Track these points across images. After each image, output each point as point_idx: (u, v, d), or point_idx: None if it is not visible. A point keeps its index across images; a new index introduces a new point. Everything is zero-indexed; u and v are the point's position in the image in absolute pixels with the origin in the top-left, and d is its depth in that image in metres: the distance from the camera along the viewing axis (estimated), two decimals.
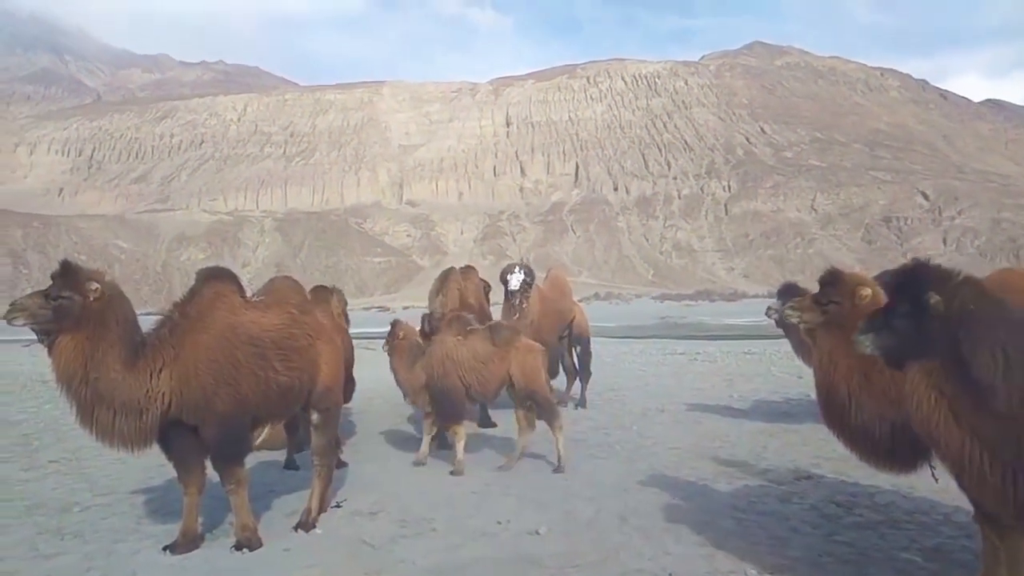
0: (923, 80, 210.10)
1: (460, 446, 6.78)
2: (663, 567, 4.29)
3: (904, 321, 2.95)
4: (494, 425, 8.91)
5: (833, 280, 3.88)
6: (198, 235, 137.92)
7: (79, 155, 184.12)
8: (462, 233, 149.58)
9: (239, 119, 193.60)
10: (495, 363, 6.72)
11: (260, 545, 4.70)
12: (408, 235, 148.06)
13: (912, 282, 2.97)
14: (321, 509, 5.30)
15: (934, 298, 2.87)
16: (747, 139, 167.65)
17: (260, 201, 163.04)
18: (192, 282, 4.93)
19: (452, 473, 6.61)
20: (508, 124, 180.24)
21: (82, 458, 7.41)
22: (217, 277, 4.91)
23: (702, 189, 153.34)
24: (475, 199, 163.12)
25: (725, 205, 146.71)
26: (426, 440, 7.21)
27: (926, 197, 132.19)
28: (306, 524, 5.07)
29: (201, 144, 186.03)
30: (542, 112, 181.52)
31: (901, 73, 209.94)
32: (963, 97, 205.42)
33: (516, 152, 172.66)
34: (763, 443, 7.68)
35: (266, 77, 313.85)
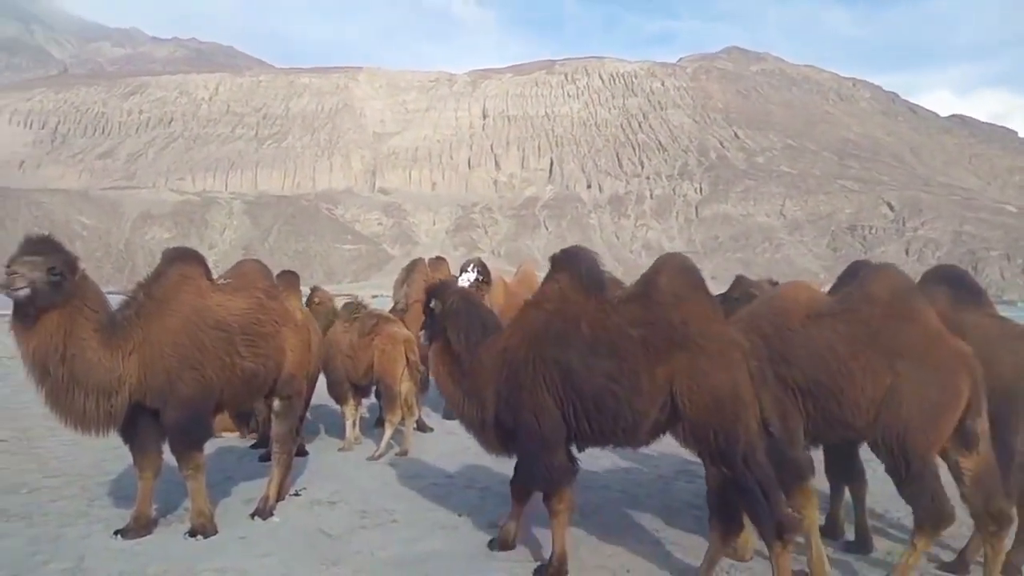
0: (893, 93, 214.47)
1: (348, 425, 7.27)
2: (622, 564, 4.31)
3: (429, 319, 4.50)
4: None
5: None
6: (164, 214, 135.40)
7: (43, 127, 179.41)
8: (434, 224, 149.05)
9: (211, 98, 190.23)
10: (362, 351, 7.05)
11: (215, 532, 4.62)
12: (379, 223, 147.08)
13: (430, 294, 4.55)
14: (279, 497, 5.22)
15: (434, 302, 4.45)
16: (720, 143, 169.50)
17: (229, 183, 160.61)
18: (157, 262, 4.83)
19: (340, 449, 7.09)
20: (484, 116, 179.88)
21: (32, 438, 7.22)
22: (183, 258, 4.81)
23: (674, 190, 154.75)
24: (448, 190, 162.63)
25: (696, 207, 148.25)
26: (348, 426, 7.35)
27: (891, 207, 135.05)
28: (263, 512, 5.00)
29: (170, 122, 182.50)
30: (519, 106, 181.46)
31: (873, 85, 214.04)
32: (931, 111, 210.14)
33: (491, 145, 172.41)
34: None
35: (240, 57, 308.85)
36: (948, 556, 4.51)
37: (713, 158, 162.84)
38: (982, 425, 3.86)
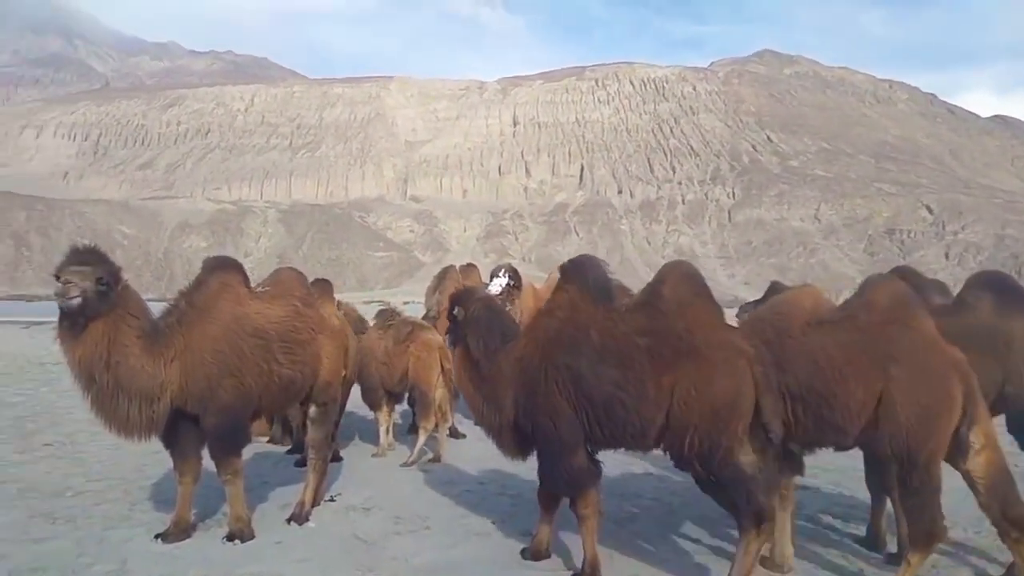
0: (931, 94, 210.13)
1: (382, 431, 7.35)
2: (658, 573, 4.27)
3: (452, 325, 4.61)
4: None
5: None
6: (201, 223, 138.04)
7: (85, 140, 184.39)
8: (465, 231, 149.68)
9: (246, 109, 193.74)
10: (397, 358, 7.10)
11: (252, 537, 4.68)
12: (411, 231, 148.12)
13: (454, 301, 4.64)
14: (315, 503, 5.28)
15: (457, 309, 4.54)
16: (753, 147, 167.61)
17: (264, 192, 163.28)
18: (196, 270, 4.94)
19: (374, 455, 7.17)
20: (515, 124, 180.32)
21: (77, 442, 7.40)
22: (223, 267, 4.90)
23: (706, 195, 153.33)
24: (479, 197, 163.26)
25: (729, 212, 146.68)
26: (382, 432, 7.42)
27: (930, 211, 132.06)
28: (299, 517, 5.06)
29: (207, 133, 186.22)
30: (549, 113, 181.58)
31: (910, 86, 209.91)
32: (971, 112, 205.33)
33: (522, 152, 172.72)
34: None
35: (274, 68, 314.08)
36: (996, 570, 4.38)
37: (746, 162, 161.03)
38: (982, 431, 3.85)
